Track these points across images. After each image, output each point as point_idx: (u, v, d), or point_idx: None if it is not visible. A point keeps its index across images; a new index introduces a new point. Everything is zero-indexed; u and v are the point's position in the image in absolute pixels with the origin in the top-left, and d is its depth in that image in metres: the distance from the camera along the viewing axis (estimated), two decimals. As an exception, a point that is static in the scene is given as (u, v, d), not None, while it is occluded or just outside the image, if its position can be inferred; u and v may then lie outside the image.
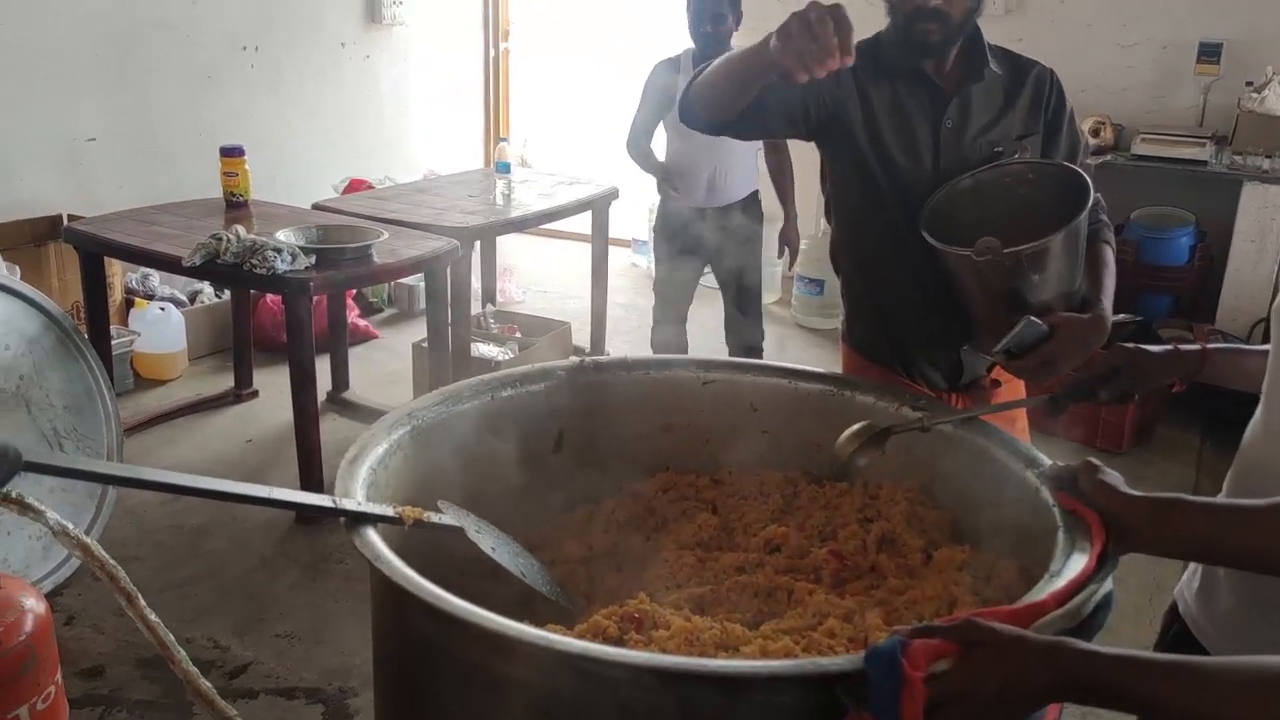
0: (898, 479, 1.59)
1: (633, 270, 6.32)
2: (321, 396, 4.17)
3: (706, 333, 4.24)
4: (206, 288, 4.86)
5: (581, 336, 4.78)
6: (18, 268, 3.86)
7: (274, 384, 4.23)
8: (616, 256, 5.66)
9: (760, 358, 3.76)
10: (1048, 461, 1.40)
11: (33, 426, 2.96)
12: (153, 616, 1.55)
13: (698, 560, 1.48)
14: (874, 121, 1.86)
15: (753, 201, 3.94)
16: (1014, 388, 1.96)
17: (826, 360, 2.09)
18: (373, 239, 3.36)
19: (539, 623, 1.13)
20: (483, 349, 4.20)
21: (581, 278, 4.89)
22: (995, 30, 5.60)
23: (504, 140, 5.18)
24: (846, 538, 1.50)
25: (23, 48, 4.35)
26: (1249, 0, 4.84)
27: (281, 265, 3.13)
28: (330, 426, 3.82)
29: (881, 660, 0.97)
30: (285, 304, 3.23)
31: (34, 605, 1.70)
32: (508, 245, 6.44)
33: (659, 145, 3.93)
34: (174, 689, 2.52)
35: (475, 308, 4.90)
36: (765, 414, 1.73)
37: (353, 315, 4.97)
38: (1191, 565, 1.53)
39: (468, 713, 1.12)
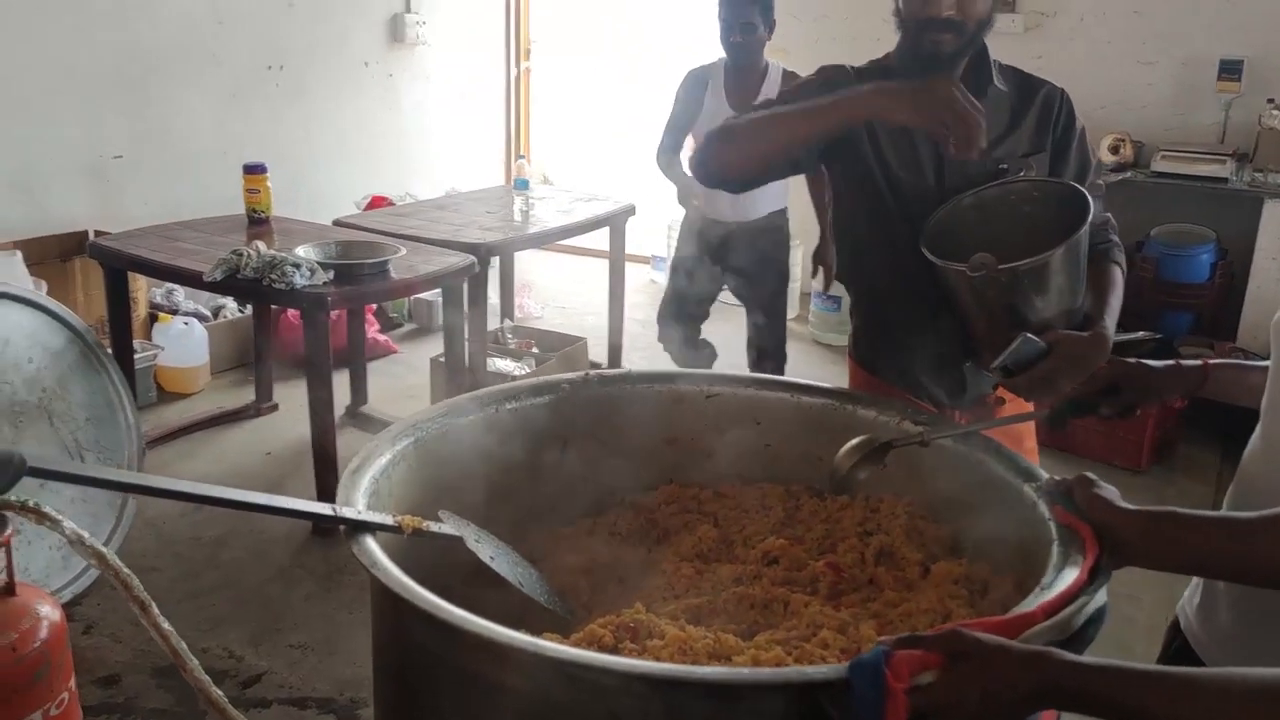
0: (899, 493, 1.60)
1: (651, 287, 6.34)
2: (340, 410, 4.22)
3: (729, 350, 4.22)
4: (230, 303, 4.92)
5: (599, 352, 4.80)
6: (44, 283, 3.93)
7: (294, 398, 4.27)
8: (635, 273, 5.69)
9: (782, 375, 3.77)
10: (1045, 475, 1.41)
11: (55, 438, 3.01)
12: (166, 625, 1.57)
13: (695, 572, 1.49)
14: (878, 139, 1.88)
15: (779, 218, 3.91)
16: (1019, 405, 1.96)
17: (843, 377, 2.11)
18: (390, 255, 3.40)
19: (537, 632, 1.15)
20: (499, 364, 4.23)
21: (601, 294, 4.92)
22: (1015, 48, 5.64)
23: (522, 158, 5.23)
24: (845, 550, 1.50)
25: (52, 66, 4.44)
26: (1271, 18, 4.83)
27: (300, 280, 3.18)
28: (348, 440, 3.86)
29: (866, 671, 0.97)
30: (303, 318, 3.27)
31: (49, 613, 1.72)
32: (528, 261, 6.49)
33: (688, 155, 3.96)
34: (188, 697, 2.55)
35: (494, 323, 4.95)
36: (768, 428, 1.74)
37: (373, 330, 5.02)
38: (1194, 581, 1.53)
39: (460, 716, 1.13)
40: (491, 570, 1.35)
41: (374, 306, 5.16)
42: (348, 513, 1.22)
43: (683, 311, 3.97)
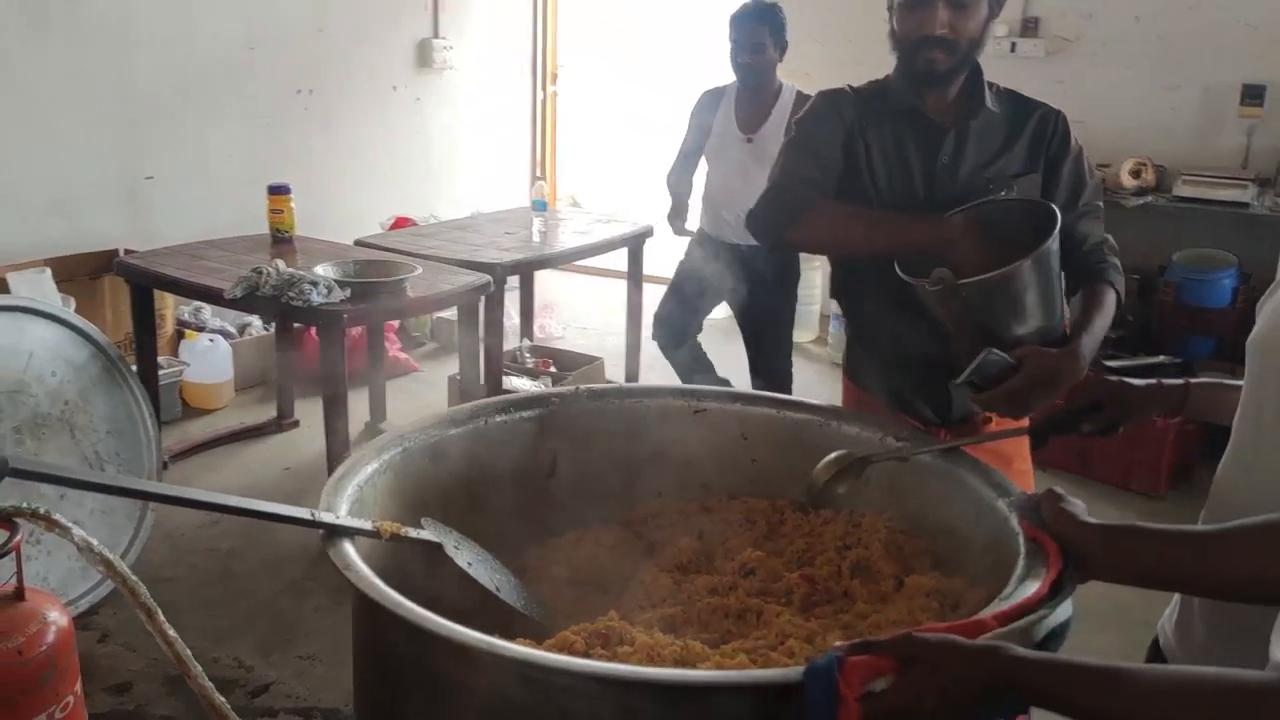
0: (880, 508, 1.62)
1: (672, 308, 6.38)
2: (359, 427, 4.28)
3: (737, 374, 4.23)
4: (256, 320, 5.01)
5: (616, 372, 4.84)
6: (73, 299, 4.03)
7: (315, 414, 4.31)
8: (654, 294, 5.72)
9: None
10: (1018, 491, 1.42)
11: (76, 449, 3.08)
12: (171, 631, 1.62)
13: (674, 582, 1.52)
14: (872, 156, 1.91)
15: None
16: (1006, 425, 1.98)
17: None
18: (406, 274, 3.46)
19: (517, 638, 1.18)
20: (515, 382, 4.28)
21: (622, 315, 4.95)
22: (1037, 73, 5.63)
23: (540, 180, 5.29)
24: (822, 563, 1.52)
25: (90, 91, 4.56)
26: (1294, 44, 4.81)
27: (317, 298, 3.24)
28: (365, 456, 3.91)
29: (819, 677, 0.99)
30: (319, 335, 3.34)
31: (57, 618, 1.77)
32: (551, 282, 6.55)
33: (701, 175, 3.96)
34: (196, 706, 2.56)
35: (513, 342, 5.00)
36: (754, 442, 1.77)
37: (395, 349, 5.09)
38: (1173, 600, 1.53)
39: (427, 715, 1.17)
40: (469, 577, 1.38)
41: (396, 325, 5.24)
42: (326, 517, 1.26)
43: (675, 326, 3.95)
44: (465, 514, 1.59)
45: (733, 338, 4.23)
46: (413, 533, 1.35)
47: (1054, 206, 1.75)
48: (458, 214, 5.83)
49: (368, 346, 4.43)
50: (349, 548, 1.24)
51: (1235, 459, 1.38)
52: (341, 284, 3.33)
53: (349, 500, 1.37)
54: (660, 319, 4.03)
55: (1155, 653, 1.54)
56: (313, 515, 1.24)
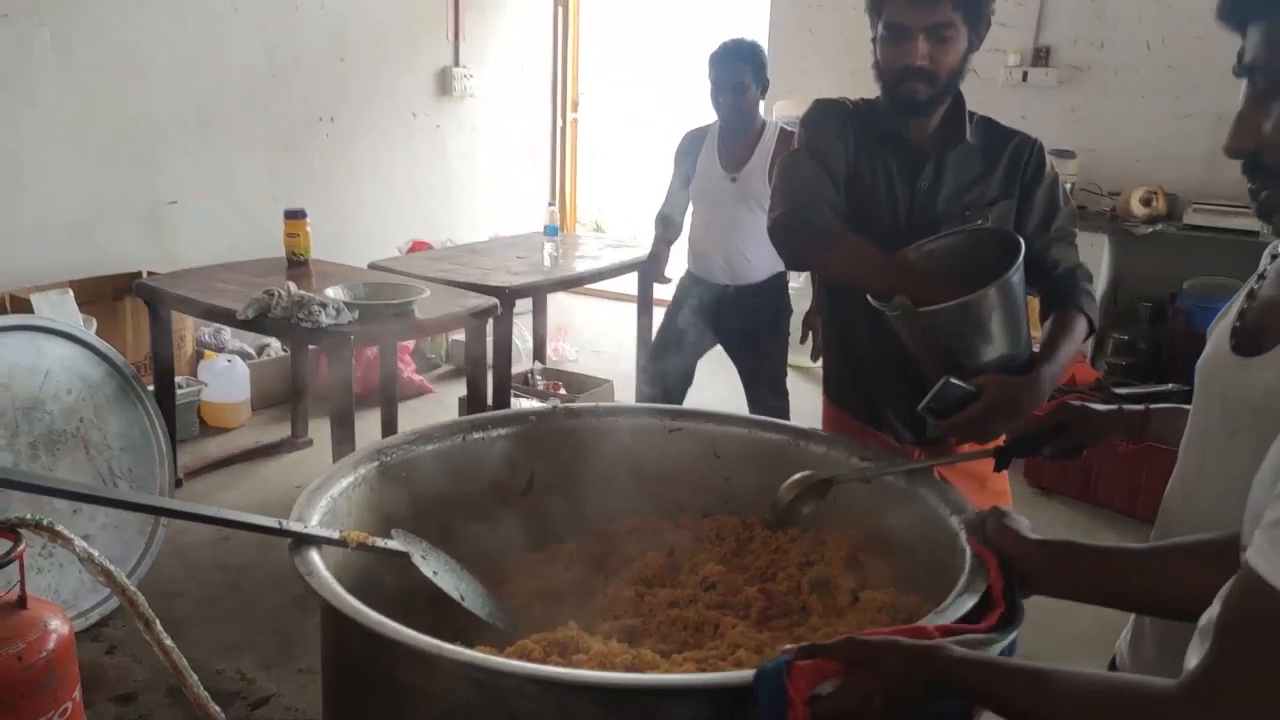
0: (845, 526, 1.66)
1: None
2: (370, 447, 4.35)
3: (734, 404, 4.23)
4: (274, 342, 5.11)
5: (626, 395, 4.89)
6: (94, 320, 4.14)
7: (328, 433, 4.41)
8: (667, 318, 5.77)
9: None
10: (971, 510, 1.46)
11: (89, 465, 3.17)
12: (168, 641, 1.68)
13: (636, 595, 1.56)
14: (861, 173, 1.96)
15: (778, 281, 3.74)
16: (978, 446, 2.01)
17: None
18: (414, 296, 3.54)
19: (475, 645, 1.23)
20: (524, 404, 4.33)
21: (634, 338, 5.01)
22: (1048, 102, 5.64)
23: (552, 205, 5.37)
24: (783, 578, 1.56)
25: (116, 117, 4.70)
26: (1305, 71, 4.81)
27: (325, 320, 3.32)
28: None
29: (768, 681, 1.03)
30: (327, 355, 3.41)
31: (58, 626, 1.85)
32: (566, 305, 6.64)
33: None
34: (197, 716, 2.65)
35: (525, 364, 5.07)
36: (727, 461, 1.81)
37: (409, 370, 5.17)
38: (1128, 621, 1.56)
39: (384, 716, 1.22)
40: (433, 585, 1.43)
41: (411, 347, 5.32)
42: (294, 527, 1.32)
43: (665, 383, 3.73)
44: (442, 528, 1.65)
45: (729, 364, 4.25)
46: (380, 542, 1.40)
47: (1019, 237, 1.79)
48: (477, 238, 5.93)
49: (381, 367, 4.50)
50: (314, 556, 1.30)
51: (1181, 481, 1.41)
52: (350, 306, 3.41)
53: (321, 511, 1.43)
54: (648, 375, 3.80)
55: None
56: (280, 524, 1.30)
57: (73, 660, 1.89)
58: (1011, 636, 1.21)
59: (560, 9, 7.17)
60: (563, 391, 4.69)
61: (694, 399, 3.96)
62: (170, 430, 3.56)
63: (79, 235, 4.62)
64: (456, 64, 6.37)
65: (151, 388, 3.73)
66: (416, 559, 1.43)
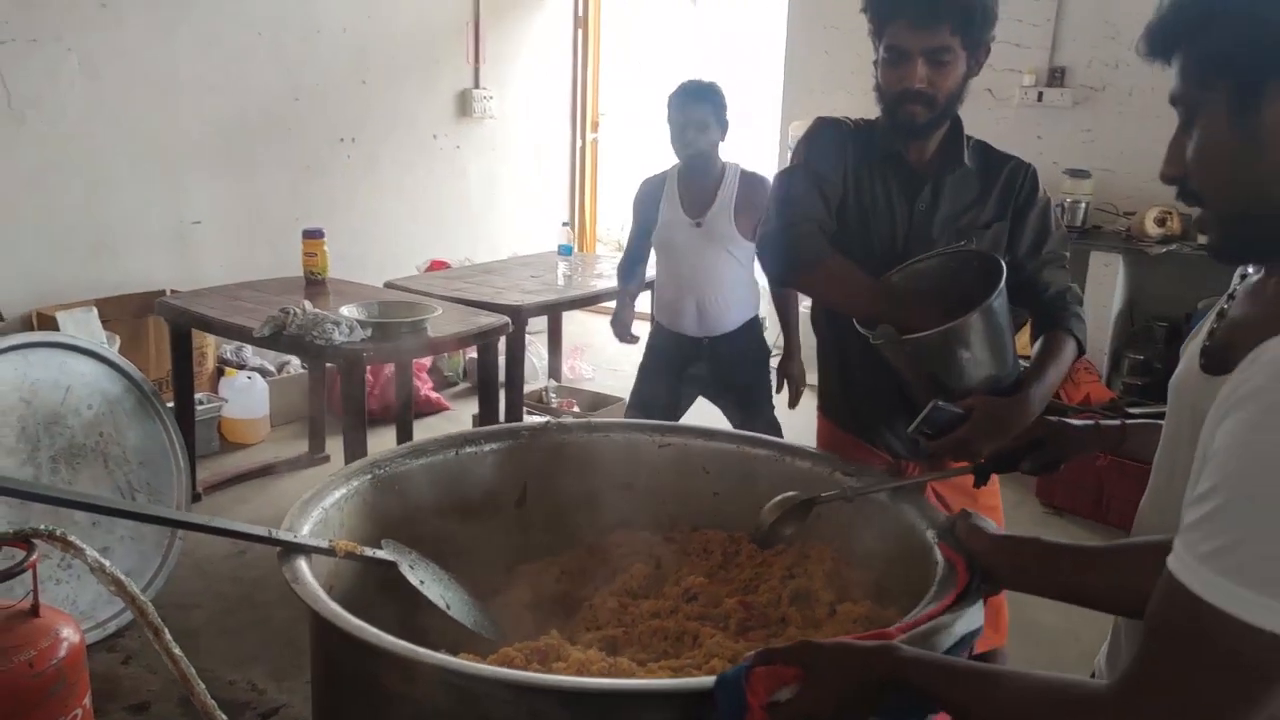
0: (828, 540, 1.69)
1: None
2: (386, 463, 4.41)
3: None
4: (295, 359, 5.19)
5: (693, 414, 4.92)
6: (118, 338, 4.23)
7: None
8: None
9: None
10: (945, 518, 1.49)
11: (109, 479, 3.24)
12: (176, 650, 1.73)
13: (620, 605, 1.60)
14: (861, 193, 2.00)
15: (753, 328, 3.56)
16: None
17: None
18: (427, 315, 3.60)
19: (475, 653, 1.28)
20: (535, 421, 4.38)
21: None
22: (1063, 122, 5.63)
23: (566, 225, 5.43)
24: (765, 591, 1.60)
25: (142, 140, 4.81)
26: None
27: (339, 338, 3.38)
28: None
29: (728, 687, 1.07)
30: (340, 373, 3.48)
31: (69, 635, 1.90)
32: (585, 324, 6.69)
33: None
34: (207, 725, 2.71)
35: (541, 382, 5.13)
36: (715, 477, 1.85)
37: (426, 388, 5.24)
38: (1109, 629, 1.58)
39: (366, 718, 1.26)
40: (420, 594, 1.47)
41: (428, 364, 5.38)
42: (283, 535, 1.36)
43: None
44: (435, 540, 1.70)
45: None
46: (368, 551, 1.45)
47: (1001, 260, 1.82)
48: (496, 257, 6.00)
49: (397, 384, 4.57)
50: (302, 564, 1.35)
51: (1153, 494, 1.43)
52: (363, 324, 3.48)
53: (313, 521, 1.48)
54: None
55: (1092, 683, 1.58)
56: (269, 533, 1.34)
57: (83, 668, 1.95)
58: (972, 620, 1.25)
59: (580, 30, 7.26)
60: (576, 409, 4.73)
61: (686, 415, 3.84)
62: (189, 445, 3.63)
63: (105, 255, 4.73)
64: (477, 86, 6.46)
65: (171, 404, 3.81)
66: (404, 568, 1.48)
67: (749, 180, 3.46)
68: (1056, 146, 5.26)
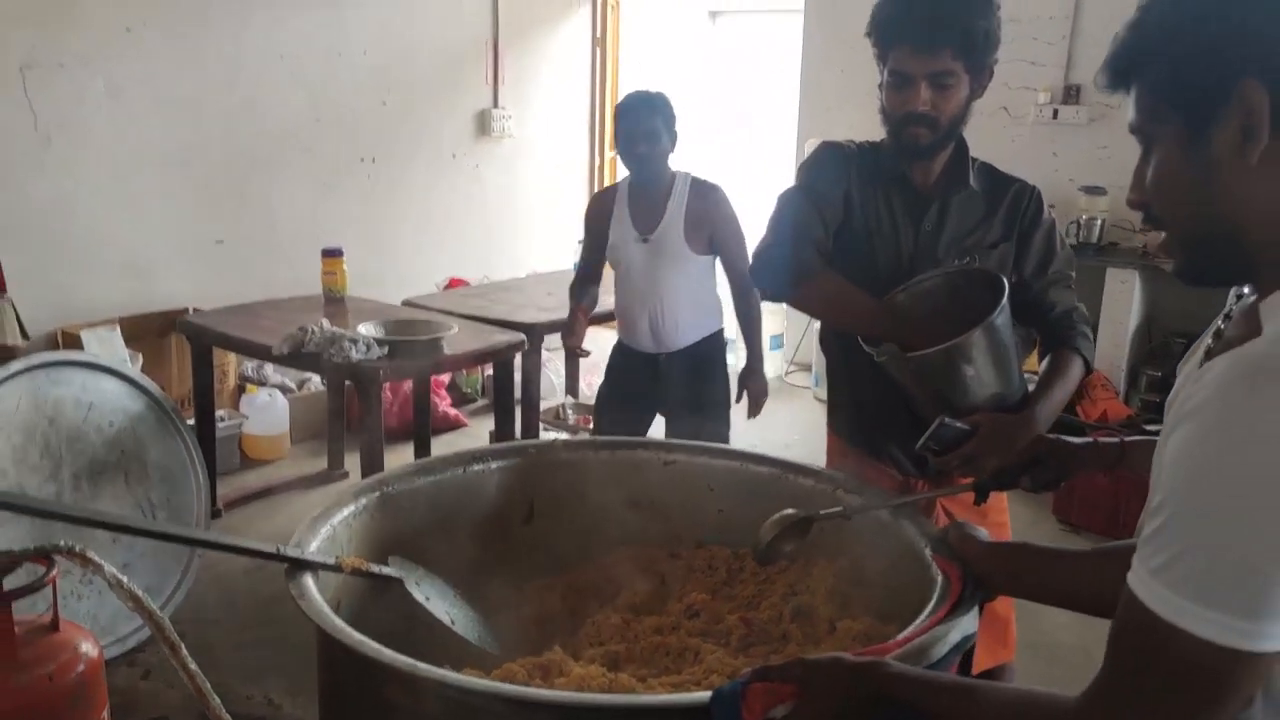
0: (831, 556, 1.71)
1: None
2: (403, 480, 4.44)
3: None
4: (315, 376, 5.25)
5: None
6: (140, 356, 4.30)
7: (364, 467, 4.53)
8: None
9: None
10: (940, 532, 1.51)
11: (129, 495, 3.29)
12: (193, 665, 1.76)
13: (623, 621, 1.62)
14: (866, 214, 2.02)
15: (714, 342, 3.48)
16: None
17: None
18: (443, 332, 3.64)
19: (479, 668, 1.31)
20: (551, 437, 4.41)
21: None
22: (1079, 139, 5.63)
23: (581, 242, 5.45)
24: (766, 607, 1.61)
25: (167, 162, 4.89)
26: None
27: (356, 355, 3.43)
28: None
29: (724, 704, 1.09)
30: (357, 389, 3.52)
31: (88, 649, 1.94)
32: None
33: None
34: (224, 740, 2.74)
35: (558, 399, 5.16)
36: (720, 494, 1.87)
37: (445, 404, 5.28)
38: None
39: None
40: (425, 610, 1.50)
41: (446, 381, 5.43)
42: (290, 552, 1.40)
43: None
44: (442, 557, 1.72)
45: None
46: (374, 567, 1.48)
47: (1003, 278, 1.84)
48: (515, 275, 6.04)
49: (414, 401, 4.61)
50: (308, 580, 1.38)
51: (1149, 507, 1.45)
52: (380, 341, 3.52)
53: (321, 538, 1.51)
54: None
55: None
56: (277, 549, 1.38)
57: (102, 683, 1.98)
58: (965, 627, 1.27)
59: (598, 49, 7.32)
60: (591, 426, 4.76)
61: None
62: (209, 462, 3.68)
63: (129, 274, 4.80)
64: (496, 105, 6.52)
65: (192, 421, 3.87)
66: (410, 584, 1.50)
67: (700, 189, 3.38)
68: (1072, 163, 5.26)
